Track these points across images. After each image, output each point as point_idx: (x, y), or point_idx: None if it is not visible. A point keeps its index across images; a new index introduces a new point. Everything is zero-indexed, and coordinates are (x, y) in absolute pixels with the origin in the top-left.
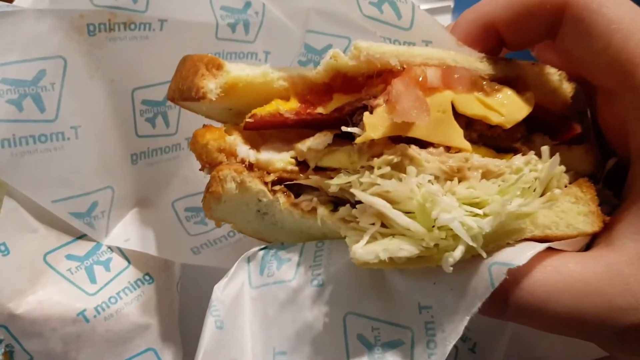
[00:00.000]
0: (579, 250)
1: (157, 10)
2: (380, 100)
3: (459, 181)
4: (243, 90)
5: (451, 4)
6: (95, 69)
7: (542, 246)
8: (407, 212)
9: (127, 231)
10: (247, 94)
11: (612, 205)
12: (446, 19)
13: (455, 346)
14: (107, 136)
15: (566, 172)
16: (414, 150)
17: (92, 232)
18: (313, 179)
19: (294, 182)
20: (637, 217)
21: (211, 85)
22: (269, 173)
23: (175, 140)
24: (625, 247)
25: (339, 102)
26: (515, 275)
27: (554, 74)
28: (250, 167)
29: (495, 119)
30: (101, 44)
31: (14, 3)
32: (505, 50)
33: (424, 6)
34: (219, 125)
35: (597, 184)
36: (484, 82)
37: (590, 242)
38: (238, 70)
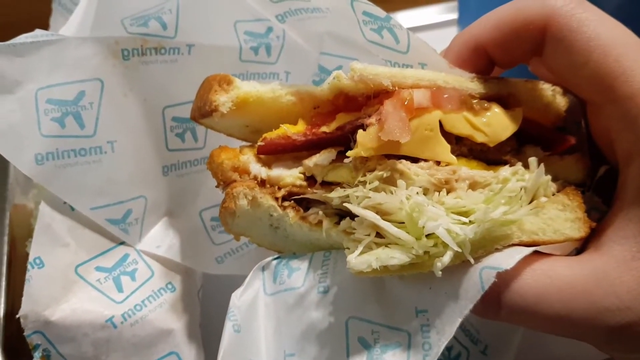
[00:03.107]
0: (568, 255)
1: (185, 36)
2: (373, 119)
3: (448, 192)
4: (254, 105)
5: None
6: (129, 89)
7: (529, 250)
8: (398, 223)
9: (158, 238)
10: (258, 109)
11: (601, 211)
12: (452, 31)
13: (466, 349)
14: (140, 150)
15: (556, 181)
16: (403, 165)
17: (127, 237)
18: (318, 193)
19: (302, 196)
20: (624, 222)
21: (222, 99)
22: (279, 188)
23: (203, 154)
24: (612, 251)
25: (341, 121)
26: (507, 279)
27: (547, 89)
28: (263, 183)
29: (479, 138)
30: (134, 67)
31: (60, 32)
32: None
33: (432, 20)
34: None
35: (587, 192)
36: (474, 101)
37: (582, 247)
38: (249, 87)
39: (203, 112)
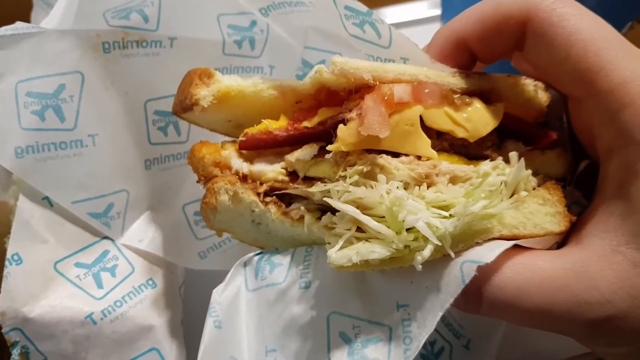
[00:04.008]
0: (549, 249)
1: (167, 29)
2: (353, 114)
3: (428, 187)
4: (236, 100)
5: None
6: (110, 82)
7: (509, 244)
8: (379, 217)
9: (140, 232)
10: (240, 104)
11: (582, 205)
12: (436, 27)
13: (449, 343)
14: (122, 143)
15: (537, 175)
16: (384, 159)
17: (109, 231)
18: (300, 188)
19: (284, 191)
20: (605, 216)
21: (203, 93)
22: (261, 184)
23: (186, 148)
24: (592, 245)
25: (323, 115)
26: (488, 273)
27: (529, 85)
28: (244, 178)
29: (460, 133)
30: (116, 60)
31: (41, 24)
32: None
33: (416, 16)
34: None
35: (568, 186)
36: (456, 96)
37: (563, 241)
38: (230, 80)
39: (184, 105)
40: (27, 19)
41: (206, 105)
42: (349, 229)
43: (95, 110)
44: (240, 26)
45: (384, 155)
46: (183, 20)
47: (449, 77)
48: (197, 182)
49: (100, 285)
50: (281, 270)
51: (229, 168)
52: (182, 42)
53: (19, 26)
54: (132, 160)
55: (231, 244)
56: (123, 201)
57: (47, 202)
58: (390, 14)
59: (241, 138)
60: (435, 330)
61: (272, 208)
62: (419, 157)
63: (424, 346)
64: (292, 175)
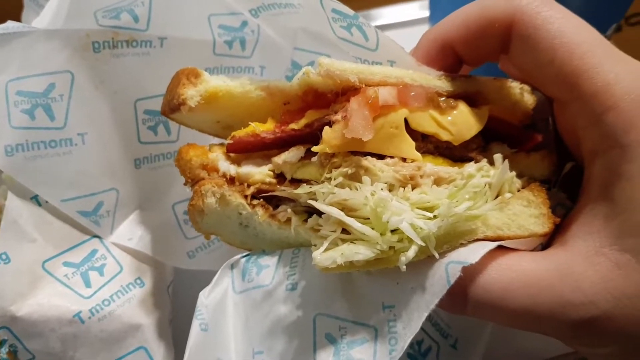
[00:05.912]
0: (534, 250)
1: (157, 29)
2: (339, 116)
3: (413, 188)
4: (224, 100)
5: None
6: (100, 82)
7: (493, 244)
8: (364, 219)
9: (130, 231)
10: (229, 104)
11: (567, 207)
12: (425, 29)
13: (436, 343)
14: (111, 142)
15: (522, 177)
16: (369, 161)
17: (98, 229)
18: (287, 190)
19: (271, 194)
20: (589, 218)
21: (190, 92)
22: (249, 186)
23: (176, 147)
24: (576, 246)
25: (310, 118)
26: (473, 274)
27: (515, 87)
28: (232, 181)
29: (444, 136)
30: (105, 60)
31: (32, 24)
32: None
33: (406, 17)
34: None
35: (553, 188)
36: (441, 99)
37: (548, 242)
38: (218, 81)
39: (172, 106)
40: (17, 19)
41: (193, 105)
42: (334, 231)
43: (85, 109)
44: (231, 26)
45: (369, 157)
46: (173, 20)
47: (435, 80)
48: (185, 184)
49: (88, 284)
50: (268, 272)
51: (217, 170)
52: (172, 42)
53: (9, 25)
54: (122, 159)
55: (220, 244)
56: (113, 200)
57: (35, 201)
58: (381, 15)
59: (229, 141)
60: (423, 329)
61: (260, 210)
62: (404, 159)
63: (411, 346)
64: (280, 177)
